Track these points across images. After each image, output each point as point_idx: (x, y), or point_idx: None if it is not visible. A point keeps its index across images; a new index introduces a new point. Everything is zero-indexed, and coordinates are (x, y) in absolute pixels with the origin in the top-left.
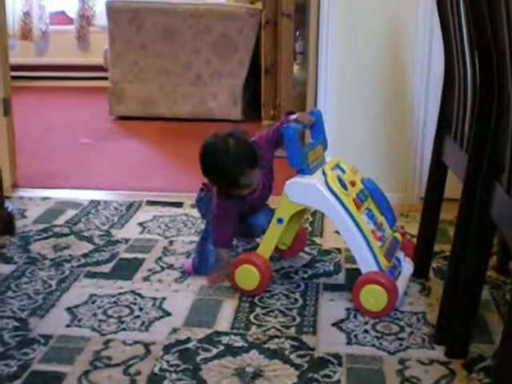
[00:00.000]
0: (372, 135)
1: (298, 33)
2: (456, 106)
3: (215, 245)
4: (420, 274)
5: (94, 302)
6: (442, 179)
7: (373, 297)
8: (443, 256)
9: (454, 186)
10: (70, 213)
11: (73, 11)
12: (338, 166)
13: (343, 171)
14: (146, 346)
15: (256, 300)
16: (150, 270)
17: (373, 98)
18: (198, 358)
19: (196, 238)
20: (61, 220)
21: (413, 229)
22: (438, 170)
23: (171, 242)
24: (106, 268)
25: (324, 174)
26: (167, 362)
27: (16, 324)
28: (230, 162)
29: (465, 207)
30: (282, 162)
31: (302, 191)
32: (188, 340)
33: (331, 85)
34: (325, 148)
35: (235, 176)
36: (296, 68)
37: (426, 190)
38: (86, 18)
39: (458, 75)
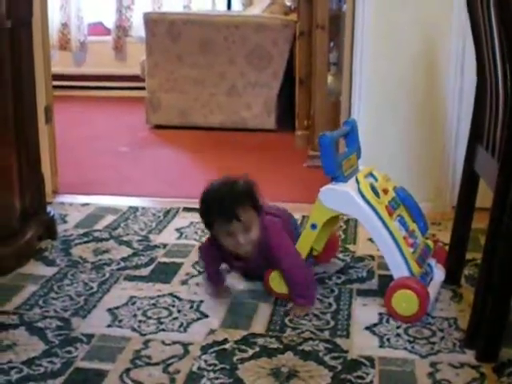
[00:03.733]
0: (405, 144)
1: (332, 44)
2: (488, 115)
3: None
4: (452, 280)
5: (133, 304)
6: (473, 188)
7: (405, 301)
8: (475, 264)
9: (486, 195)
10: (110, 218)
11: (110, 22)
12: (371, 174)
13: (376, 179)
14: (185, 346)
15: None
16: (187, 273)
17: (406, 108)
18: (235, 358)
19: None
20: (100, 225)
21: (445, 237)
22: (469, 179)
23: None
24: (145, 271)
25: (357, 181)
26: (205, 361)
27: (59, 323)
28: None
29: (496, 215)
30: (315, 171)
31: (336, 198)
32: (225, 341)
33: (365, 95)
34: (359, 157)
35: (211, 216)
36: (330, 78)
37: (458, 198)
38: (123, 29)
39: (490, 84)
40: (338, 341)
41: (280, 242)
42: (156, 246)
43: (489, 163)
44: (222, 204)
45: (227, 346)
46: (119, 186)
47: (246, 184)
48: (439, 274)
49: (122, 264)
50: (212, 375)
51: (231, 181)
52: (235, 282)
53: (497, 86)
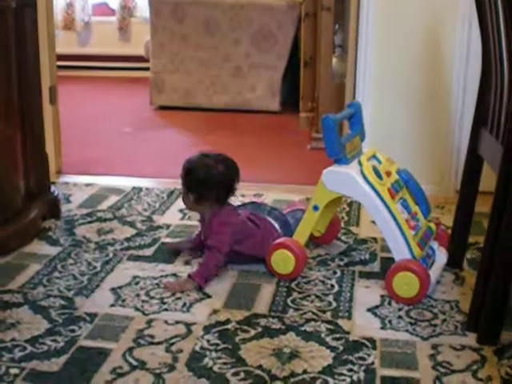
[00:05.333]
0: (409, 127)
1: (337, 26)
2: (492, 99)
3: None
4: (454, 264)
5: (137, 284)
6: (477, 171)
7: (405, 284)
8: (477, 247)
9: (490, 179)
10: (113, 199)
11: (115, 2)
12: (374, 156)
13: (379, 161)
14: (187, 325)
15: (293, 285)
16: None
17: (410, 91)
18: (237, 339)
19: None
20: (104, 205)
21: (448, 221)
22: (473, 162)
23: None
24: (148, 252)
25: (360, 164)
26: (207, 341)
27: (63, 303)
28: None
29: (499, 199)
30: (319, 153)
31: (339, 180)
32: (227, 321)
33: (369, 77)
34: (362, 139)
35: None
36: (335, 61)
37: (462, 181)
38: (127, 10)
39: (495, 68)
40: (340, 322)
41: (217, 226)
42: (159, 227)
43: (493, 147)
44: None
45: (230, 326)
46: (123, 167)
47: (198, 164)
48: (441, 257)
49: (126, 244)
50: (214, 355)
51: (205, 157)
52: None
53: (502, 69)
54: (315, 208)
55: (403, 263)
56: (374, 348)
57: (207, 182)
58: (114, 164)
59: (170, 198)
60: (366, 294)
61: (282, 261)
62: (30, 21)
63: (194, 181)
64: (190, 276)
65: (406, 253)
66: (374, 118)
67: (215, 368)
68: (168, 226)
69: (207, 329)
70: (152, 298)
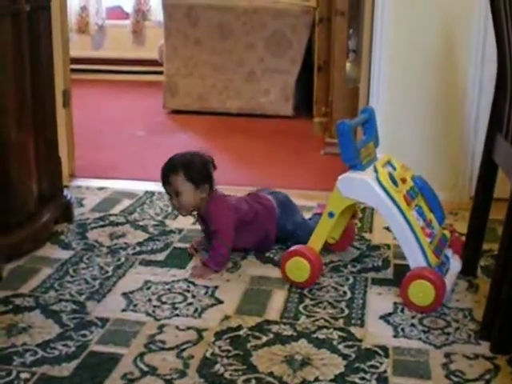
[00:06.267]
0: (423, 133)
1: (351, 31)
2: (508, 105)
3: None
4: (468, 271)
5: (148, 289)
6: (492, 178)
7: (421, 292)
8: (491, 255)
9: (504, 186)
10: (126, 203)
11: (129, 6)
12: (389, 162)
13: (394, 168)
14: (199, 331)
15: (305, 292)
16: (202, 259)
17: (425, 96)
18: (249, 345)
19: None
20: (117, 209)
21: (462, 227)
22: (488, 169)
23: None
24: (161, 256)
25: (375, 170)
26: (219, 347)
27: (74, 307)
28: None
29: None
30: (332, 158)
31: (354, 186)
32: (239, 327)
33: (384, 82)
34: (376, 145)
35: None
36: (348, 65)
37: (476, 188)
38: (141, 13)
39: (511, 73)
40: (353, 329)
41: (216, 210)
42: (172, 231)
43: (508, 153)
44: (163, 169)
45: (241, 332)
46: (136, 171)
47: (190, 159)
48: (455, 264)
49: (138, 248)
50: (225, 361)
51: (185, 154)
52: (251, 269)
53: None
54: (330, 215)
55: (419, 271)
56: (387, 356)
57: (203, 168)
58: (127, 168)
59: None
60: (379, 301)
61: (297, 269)
62: (43, 24)
63: (189, 171)
64: (204, 264)
65: (421, 260)
66: (387, 122)
67: (226, 374)
68: (180, 231)
69: (219, 335)
70: (164, 303)
